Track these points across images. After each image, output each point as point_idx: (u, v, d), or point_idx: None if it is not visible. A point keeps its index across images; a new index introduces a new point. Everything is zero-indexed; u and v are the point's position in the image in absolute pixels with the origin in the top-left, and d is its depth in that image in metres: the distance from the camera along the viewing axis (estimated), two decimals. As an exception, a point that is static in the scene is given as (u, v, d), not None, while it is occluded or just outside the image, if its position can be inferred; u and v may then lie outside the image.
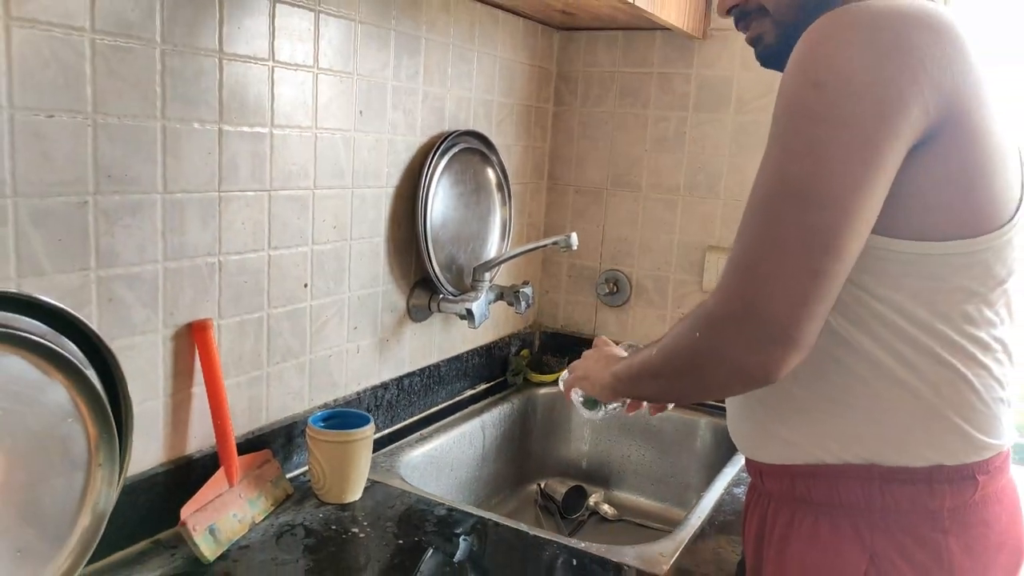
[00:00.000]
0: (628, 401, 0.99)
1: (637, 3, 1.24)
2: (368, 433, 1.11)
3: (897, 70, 0.68)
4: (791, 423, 0.82)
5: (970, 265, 0.75)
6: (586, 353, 1.03)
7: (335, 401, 1.24)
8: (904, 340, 0.76)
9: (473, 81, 1.45)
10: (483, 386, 1.64)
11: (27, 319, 0.77)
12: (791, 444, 0.83)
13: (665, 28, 1.49)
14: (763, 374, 0.71)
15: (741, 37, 0.91)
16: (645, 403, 1.00)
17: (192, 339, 0.98)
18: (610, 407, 0.99)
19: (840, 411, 0.79)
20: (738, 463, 1.31)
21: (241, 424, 1.08)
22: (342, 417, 1.14)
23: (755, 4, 0.85)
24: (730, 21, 0.91)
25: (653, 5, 1.31)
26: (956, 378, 0.76)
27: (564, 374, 1.05)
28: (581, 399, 1.01)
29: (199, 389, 1.00)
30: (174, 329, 0.97)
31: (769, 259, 0.70)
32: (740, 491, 1.22)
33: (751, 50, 0.92)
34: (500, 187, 1.52)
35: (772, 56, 0.87)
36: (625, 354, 0.97)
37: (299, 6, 1.06)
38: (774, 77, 0.75)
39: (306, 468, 1.15)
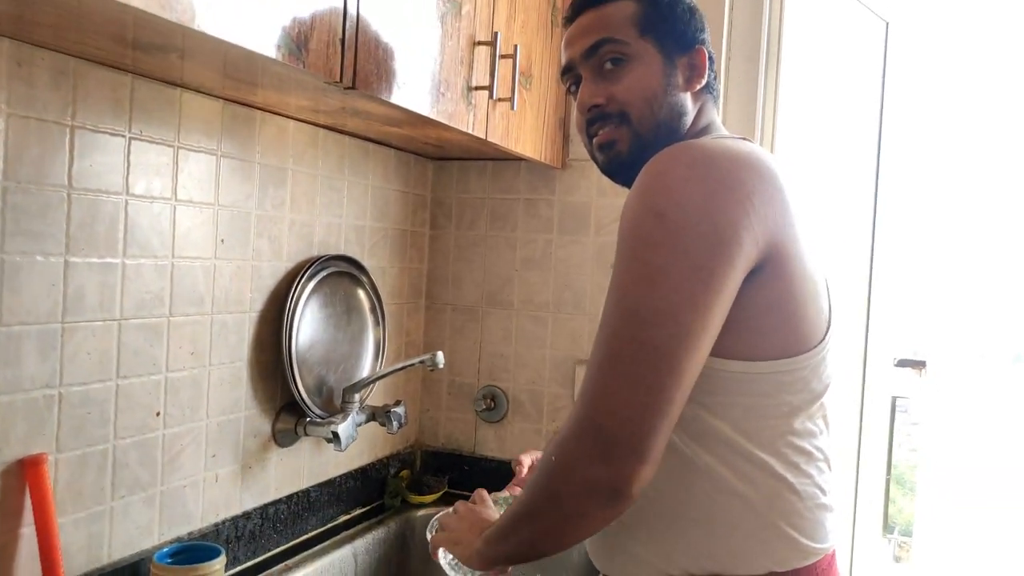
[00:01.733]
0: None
1: (489, 139, 1.35)
2: (218, 567, 1.07)
3: (729, 204, 0.75)
4: (638, 537, 0.85)
5: (792, 382, 0.82)
6: (459, 509, 1.01)
7: (190, 534, 1.19)
8: (739, 454, 0.81)
9: (344, 208, 1.51)
10: (359, 511, 1.60)
11: None
12: (639, 559, 0.85)
13: (526, 159, 1.60)
14: (613, 488, 0.73)
15: (596, 167, 0.97)
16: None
17: (23, 476, 0.94)
18: (478, 572, 0.95)
19: (683, 525, 0.83)
20: None
21: (79, 564, 1.03)
22: (193, 551, 1.10)
23: (616, 109, 0.91)
24: (585, 152, 0.97)
25: (507, 140, 1.42)
26: (784, 488, 0.82)
27: (433, 523, 1.03)
28: (449, 561, 0.96)
29: (28, 530, 0.95)
30: (3, 466, 0.93)
31: (610, 376, 0.74)
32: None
33: (606, 179, 0.98)
34: (373, 308, 1.56)
35: (620, 167, 0.93)
36: (497, 515, 0.96)
37: (157, 142, 1.10)
38: (626, 201, 0.81)
39: (151, 609, 1.09)
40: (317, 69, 0.93)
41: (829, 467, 0.88)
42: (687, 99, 0.93)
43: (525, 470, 1.14)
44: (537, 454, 1.16)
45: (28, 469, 0.94)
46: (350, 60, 0.99)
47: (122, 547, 1.09)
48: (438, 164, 1.82)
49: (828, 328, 0.87)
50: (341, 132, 1.47)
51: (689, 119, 0.94)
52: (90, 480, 1.03)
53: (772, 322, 0.81)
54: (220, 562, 1.07)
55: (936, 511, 2.52)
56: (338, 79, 0.97)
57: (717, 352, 0.79)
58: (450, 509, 1.03)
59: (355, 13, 0.99)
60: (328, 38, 0.95)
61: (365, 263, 1.53)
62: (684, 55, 0.93)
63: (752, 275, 0.78)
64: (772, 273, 0.79)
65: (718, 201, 0.76)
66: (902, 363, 2.70)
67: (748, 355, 0.81)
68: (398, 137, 1.51)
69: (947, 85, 1.88)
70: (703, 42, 0.95)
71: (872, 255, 2.11)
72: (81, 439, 1.02)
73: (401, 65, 1.10)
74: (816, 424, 0.86)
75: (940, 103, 1.93)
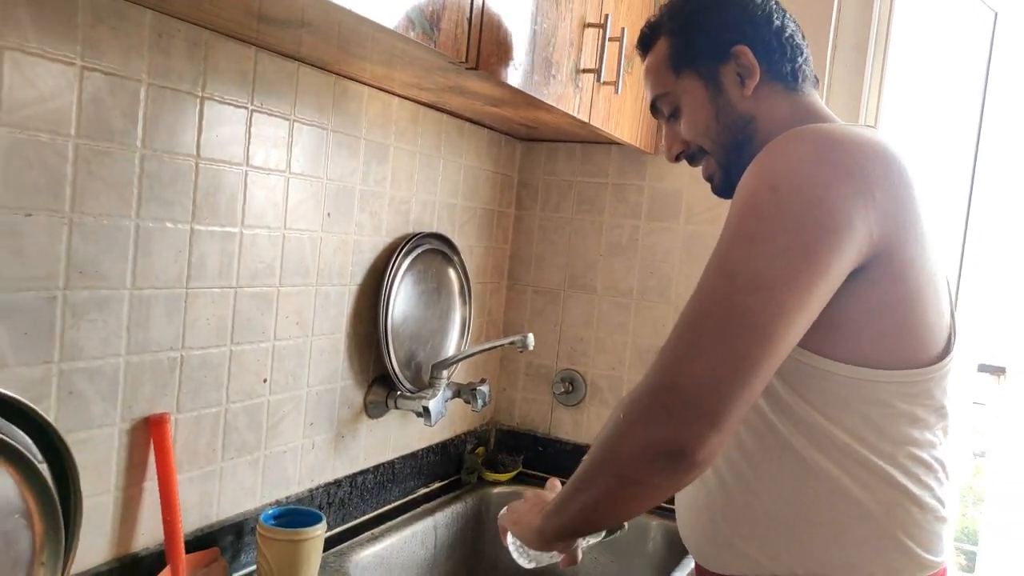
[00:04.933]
0: (556, 554, 0.94)
1: (592, 123, 1.33)
2: (320, 532, 1.10)
3: (848, 190, 0.73)
4: (745, 534, 0.84)
5: (915, 394, 0.79)
6: (527, 495, 1.01)
7: (287, 498, 1.23)
8: (858, 461, 0.79)
9: (438, 186, 1.52)
10: (437, 484, 1.63)
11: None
12: (745, 555, 0.84)
13: (619, 143, 1.59)
14: (677, 450, 0.69)
15: (691, 153, 0.99)
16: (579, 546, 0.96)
17: (148, 433, 0.98)
18: (544, 556, 0.94)
19: (795, 525, 0.81)
20: (687, 566, 1.32)
21: (191, 520, 1.07)
22: (294, 515, 1.13)
23: (696, 147, 0.95)
24: None
25: (608, 124, 1.41)
26: (904, 498, 0.80)
27: (504, 512, 1.03)
28: (515, 545, 0.96)
29: (151, 484, 1.00)
30: (131, 423, 0.97)
31: (696, 335, 0.71)
32: (690, 595, 1.23)
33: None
34: (461, 287, 1.57)
35: (725, 190, 0.94)
36: None
37: (275, 115, 1.12)
38: (724, 194, 0.81)
39: (254, 567, 1.13)
40: (447, 49, 0.94)
41: (948, 478, 0.85)
42: (749, 103, 0.91)
43: None
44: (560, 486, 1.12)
45: (153, 427, 0.98)
46: (475, 40, 0.99)
47: (229, 506, 1.13)
48: (527, 145, 1.81)
49: (951, 338, 0.83)
50: (440, 110, 1.47)
51: (764, 119, 0.90)
52: (204, 441, 1.07)
53: (881, 326, 0.78)
54: (322, 527, 1.11)
55: (1008, 522, 2.44)
56: (463, 59, 0.97)
57: (825, 352, 0.77)
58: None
59: (480, -8, 0.99)
60: (457, 17, 0.95)
61: (455, 241, 1.54)
62: (727, 63, 0.91)
63: (863, 271, 0.75)
64: (885, 271, 0.76)
65: (837, 186, 0.73)
66: (982, 368, 2.61)
67: (860, 360, 0.78)
68: (493, 116, 1.51)
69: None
70: (744, 35, 0.90)
71: (962, 256, 2.04)
72: (198, 401, 1.06)
73: (518, 46, 1.09)
74: (936, 435, 0.83)
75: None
